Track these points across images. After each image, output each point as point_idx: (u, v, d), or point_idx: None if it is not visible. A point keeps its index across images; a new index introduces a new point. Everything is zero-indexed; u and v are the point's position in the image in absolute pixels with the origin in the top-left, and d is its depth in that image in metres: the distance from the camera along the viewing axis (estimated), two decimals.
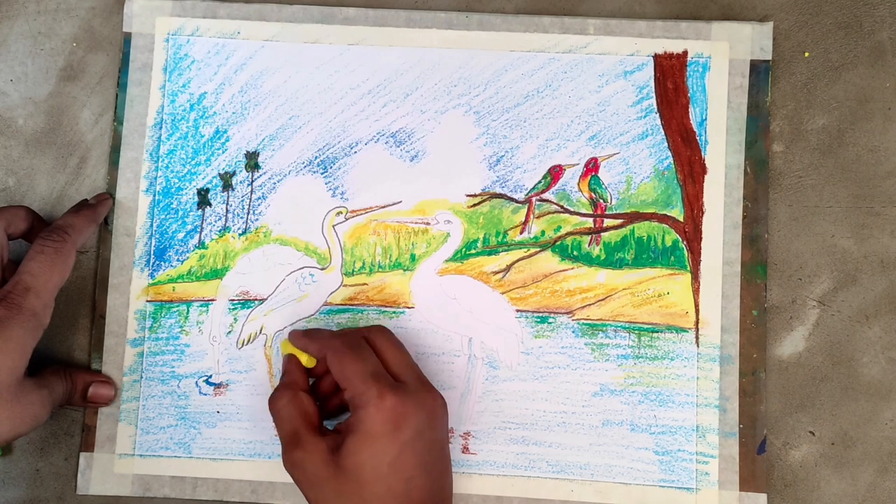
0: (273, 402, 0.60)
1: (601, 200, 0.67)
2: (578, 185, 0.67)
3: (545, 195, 0.67)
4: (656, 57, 0.68)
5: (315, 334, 0.62)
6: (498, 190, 0.67)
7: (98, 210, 0.65)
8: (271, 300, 0.67)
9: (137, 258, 0.67)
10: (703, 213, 0.66)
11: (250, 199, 0.68)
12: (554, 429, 0.65)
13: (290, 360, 0.63)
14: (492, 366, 0.66)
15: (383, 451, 0.55)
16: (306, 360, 0.62)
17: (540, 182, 0.67)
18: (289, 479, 0.64)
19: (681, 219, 0.66)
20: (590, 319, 0.66)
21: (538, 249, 0.67)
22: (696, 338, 0.65)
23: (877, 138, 0.67)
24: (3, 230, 0.61)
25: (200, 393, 0.66)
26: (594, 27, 0.68)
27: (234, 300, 0.67)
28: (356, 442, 0.55)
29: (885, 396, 0.65)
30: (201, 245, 0.68)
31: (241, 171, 0.68)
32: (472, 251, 0.67)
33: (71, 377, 0.64)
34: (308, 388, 0.62)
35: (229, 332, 0.67)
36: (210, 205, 0.68)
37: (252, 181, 0.68)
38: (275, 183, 0.68)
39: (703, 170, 0.67)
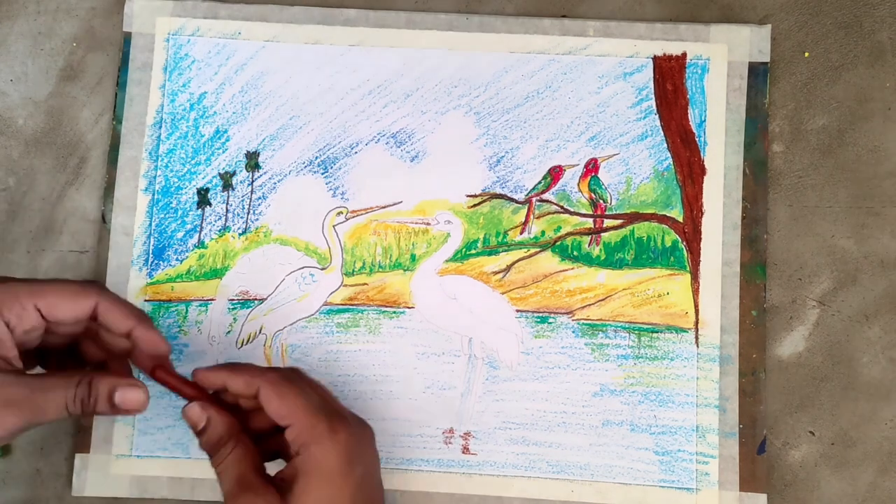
0: (218, 456, 0.53)
1: (601, 201, 0.67)
2: (578, 185, 0.67)
3: (545, 195, 0.67)
4: (655, 59, 0.68)
5: (238, 368, 0.55)
6: (498, 190, 0.67)
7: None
8: (271, 300, 0.67)
9: (135, 257, 0.67)
10: (702, 213, 0.66)
11: (250, 199, 0.68)
12: (554, 429, 0.65)
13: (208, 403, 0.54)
14: (492, 366, 0.66)
15: (339, 490, 0.50)
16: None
17: (540, 182, 0.67)
18: None
19: (680, 219, 0.67)
20: (590, 319, 0.66)
21: (538, 250, 0.67)
22: (696, 338, 0.65)
23: (877, 138, 0.67)
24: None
25: None
26: (594, 29, 0.68)
27: (233, 300, 0.67)
28: (309, 483, 0.50)
29: (885, 396, 0.65)
30: (201, 244, 0.67)
31: (241, 170, 0.68)
32: (473, 251, 0.67)
33: (89, 383, 0.53)
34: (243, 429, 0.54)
35: (229, 331, 0.67)
36: (210, 204, 0.68)
37: (252, 181, 0.68)
38: (275, 183, 0.68)
39: (703, 171, 0.67)
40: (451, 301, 0.66)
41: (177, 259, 0.67)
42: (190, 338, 0.66)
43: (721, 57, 0.68)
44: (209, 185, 0.68)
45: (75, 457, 0.65)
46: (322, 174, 0.68)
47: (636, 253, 0.67)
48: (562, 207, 0.67)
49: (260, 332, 0.66)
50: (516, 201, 0.67)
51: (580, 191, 0.67)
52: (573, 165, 0.68)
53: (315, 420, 0.51)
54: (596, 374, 0.65)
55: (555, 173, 0.67)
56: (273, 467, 0.53)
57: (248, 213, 0.68)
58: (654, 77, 0.68)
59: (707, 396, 0.65)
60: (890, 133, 0.67)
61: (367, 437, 0.54)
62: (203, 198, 0.68)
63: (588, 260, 0.67)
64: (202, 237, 0.67)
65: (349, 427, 0.52)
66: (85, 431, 0.65)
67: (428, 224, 0.67)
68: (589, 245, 0.67)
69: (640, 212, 0.67)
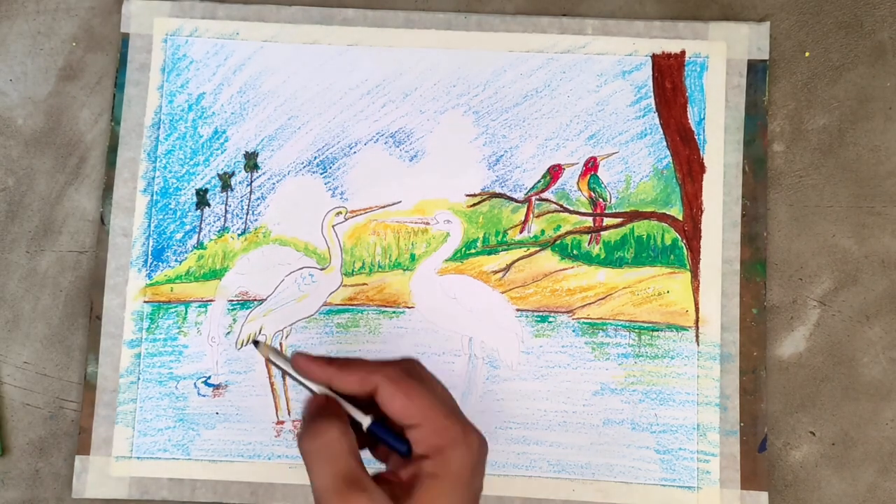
0: (316, 436, 0.46)
1: (600, 199, 0.67)
2: (578, 184, 0.67)
3: (545, 194, 0.67)
4: (654, 57, 0.68)
5: (351, 364, 0.48)
6: (497, 189, 0.67)
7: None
8: (271, 300, 0.67)
9: (135, 258, 0.67)
10: (702, 211, 0.66)
11: (249, 200, 0.68)
12: (555, 428, 0.65)
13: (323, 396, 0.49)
14: (492, 365, 0.66)
15: (461, 499, 0.46)
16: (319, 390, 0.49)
17: (539, 181, 0.67)
18: (288, 481, 0.64)
19: (680, 217, 0.66)
20: (590, 318, 0.66)
21: (538, 249, 0.67)
22: (697, 336, 0.65)
23: (877, 138, 0.67)
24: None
25: (199, 394, 0.66)
26: (592, 27, 0.68)
27: (233, 301, 0.67)
28: (438, 487, 0.45)
29: (886, 397, 0.65)
30: (200, 245, 0.67)
31: (240, 171, 0.68)
32: (472, 251, 0.67)
33: None
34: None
35: (228, 332, 0.66)
36: (209, 205, 0.68)
37: (251, 181, 0.68)
38: (274, 183, 0.68)
39: (702, 168, 0.67)
40: (451, 301, 0.66)
41: (176, 260, 0.67)
42: (189, 339, 0.66)
43: (720, 55, 0.68)
44: (208, 186, 0.68)
45: (75, 459, 0.65)
46: (321, 174, 0.68)
47: (636, 251, 0.67)
48: (561, 206, 0.67)
49: (259, 333, 0.66)
50: (516, 200, 0.67)
51: (580, 189, 0.67)
52: (572, 164, 0.67)
53: (449, 422, 0.47)
54: (596, 373, 0.65)
55: (554, 172, 0.67)
56: None
57: (247, 214, 0.67)
58: (653, 75, 0.68)
59: (708, 395, 0.65)
60: (890, 133, 0.67)
61: (486, 448, 0.48)
62: (202, 198, 0.68)
63: (588, 259, 0.67)
64: (201, 238, 0.67)
65: (479, 434, 0.48)
66: (85, 433, 0.65)
67: (427, 223, 0.67)
68: (589, 244, 0.67)
69: (640, 210, 0.67)
